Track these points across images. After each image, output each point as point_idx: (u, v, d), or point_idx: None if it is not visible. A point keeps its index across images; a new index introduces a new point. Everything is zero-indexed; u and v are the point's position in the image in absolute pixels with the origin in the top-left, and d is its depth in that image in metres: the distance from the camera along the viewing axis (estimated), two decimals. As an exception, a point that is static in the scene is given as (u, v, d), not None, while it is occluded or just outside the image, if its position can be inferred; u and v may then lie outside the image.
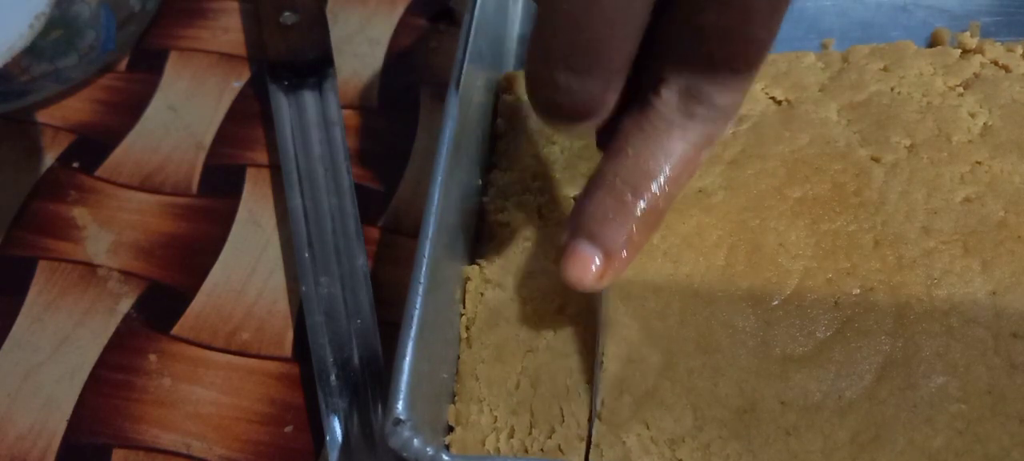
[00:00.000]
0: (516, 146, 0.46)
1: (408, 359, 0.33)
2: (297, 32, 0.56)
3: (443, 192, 0.38)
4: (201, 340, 0.46)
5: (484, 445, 0.37)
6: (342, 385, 0.42)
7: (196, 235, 0.50)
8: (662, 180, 0.33)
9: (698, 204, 0.42)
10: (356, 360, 0.43)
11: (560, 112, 0.32)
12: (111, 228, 0.50)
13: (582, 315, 0.40)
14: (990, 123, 0.44)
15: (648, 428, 0.36)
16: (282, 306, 0.47)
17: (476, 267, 0.42)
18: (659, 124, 0.32)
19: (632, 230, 0.33)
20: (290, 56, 0.55)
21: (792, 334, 0.38)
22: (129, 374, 0.45)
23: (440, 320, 0.38)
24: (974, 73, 0.47)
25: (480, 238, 0.44)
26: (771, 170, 0.43)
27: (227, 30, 0.60)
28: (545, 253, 0.42)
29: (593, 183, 0.34)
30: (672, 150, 0.32)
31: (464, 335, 0.40)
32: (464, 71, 0.41)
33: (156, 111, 0.56)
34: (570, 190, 0.44)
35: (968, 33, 0.48)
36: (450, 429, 0.38)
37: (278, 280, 0.48)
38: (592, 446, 0.36)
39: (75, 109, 0.56)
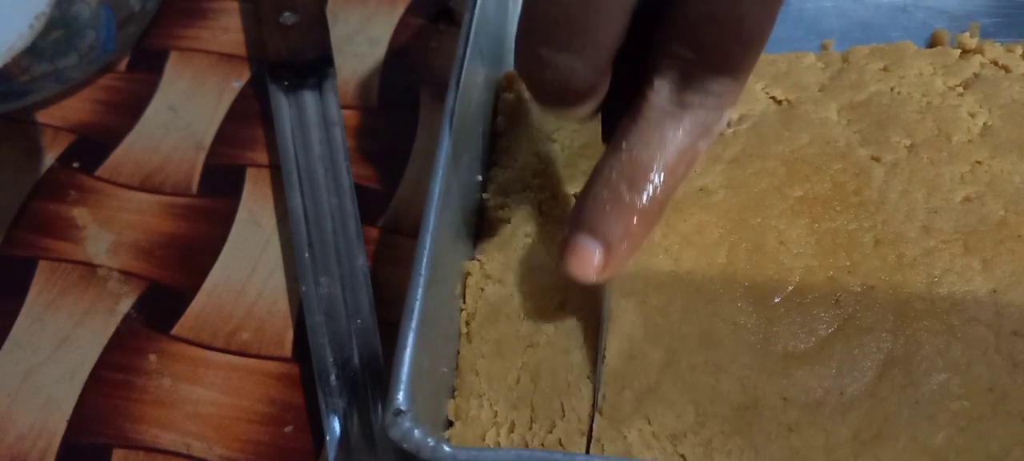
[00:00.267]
0: (516, 144, 0.46)
1: (408, 351, 0.33)
2: (297, 32, 0.56)
3: (443, 189, 0.38)
4: (201, 340, 0.46)
5: (484, 440, 0.37)
6: (342, 385, 0.42)
7: (196, 235, 0.50)
8: (658, 172, 0.33)
9: (699, 203, 0.42)
10: (356, 360, 0.43)
11: (545, 90, 0.32)
12: (111, 228, 0.50)
13: (583, 310, 0.40)
14: (990, 123, 0.44)
15: (650, 423, 0.36)
16: (282, 306, 0.47)
17: (476, 263, 0.42)
18: (652, 115, 0.32)
19: (631, 223, 0.33)
20: (290, 56, 0.55)
21: (793, 331, 0.38)
22: (129, 374, 0.45)
23: (440, 315, 0.38)
24: (974, 73, 0.47)
25: (480, 234, 0.44)
26: (771, 169, 0.43)
27: (227, 30, 0.60)
28: (546, 249, 0.42)
29: (592, 178, 0.34)
30: (667, 141, 0.32)
31: (464, 330, 0.40)
32: (464, 71, 0.41)
33: (156, 111, 0.56)
34: (570, 187, 0.44)
35: (968, 33, 0.48)
36: (450, 424, 0.38)
37: (278, 280, 0.48)
38: (593, 441, 0.36)
39: (75, 109, 0.56)
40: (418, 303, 0.35)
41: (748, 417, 0.36)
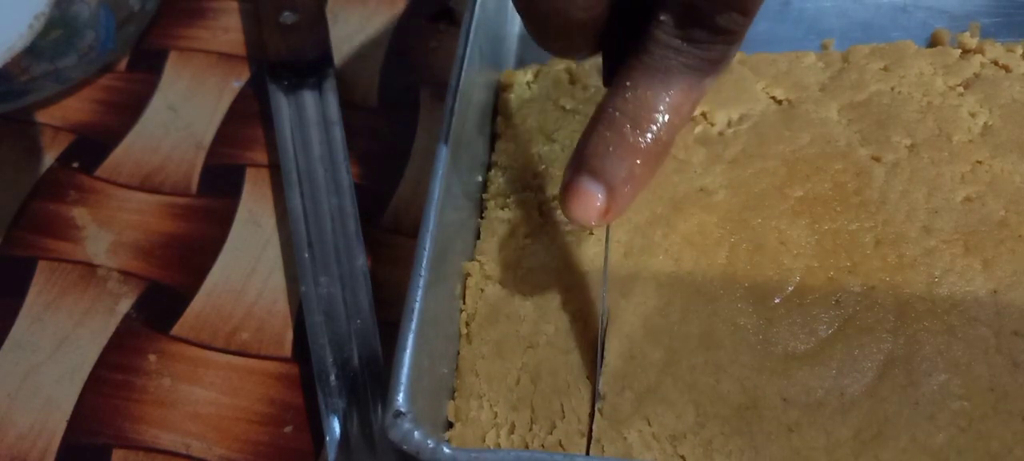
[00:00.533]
0: (516, 144, 0.46)
1: (408, 352, 0.33)
2: (297, 32, 0.56)
3: (443, 188, 0.38)
4: (201, 340, 0.46)
5: (484, 441, 0.37)
6: (342, 385, 0.42)
7: (196, 235, 0.50)
8: (662, 111, 0.31)
9: (699, 203, 0.42)
10: (356, 360, 0.43)
11: (544, 21, 0.31)
12: (111, 228, 0.50)
13: (583, 311, 0.40)
14: (990, 123, 0.44)
15: (650, 424, 0.36)
16: (282, 306, 0.47)
17: (476, 263, 0.42)
18: (657, 52, 0.31)
19: (635, 164, 0.32)
20: (290, 56, 0.55)
21: (794, 332, 0.38)
22: (129, 374, 0.45)
23: (440, 315, 0.38)
24: (974, 73, 0.47)
25: (480, 235, 0.44)
26: (772, 169, 0.43)
27: (227, 30, 0.60)
28: (545, 250, 0.42)
29: (594, 119, 0.33)
30: (672, 79, 0.31)
31: (464, 331, 0.40)
32: (464, 71, 0.41)
33: (156, 111, 0.56)
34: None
35: (968, 33, 0.48)
36: (449, 425, 0.38)
37: (278, 280, 0.48)
38: (593, 441, 0.36)
39: (75, 109, 0.56)
40: (418, 304, 0.35)
41: (748, 417, 0.36)
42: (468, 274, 0.42)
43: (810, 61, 0.48)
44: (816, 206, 0.42)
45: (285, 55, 0.55)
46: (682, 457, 0.36)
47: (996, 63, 0.47)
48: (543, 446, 0.36)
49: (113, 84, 0.57)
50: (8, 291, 0.48)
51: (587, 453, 0.36)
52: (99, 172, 0.53)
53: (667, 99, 0.31)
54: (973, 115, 0.45)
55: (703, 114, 0.46)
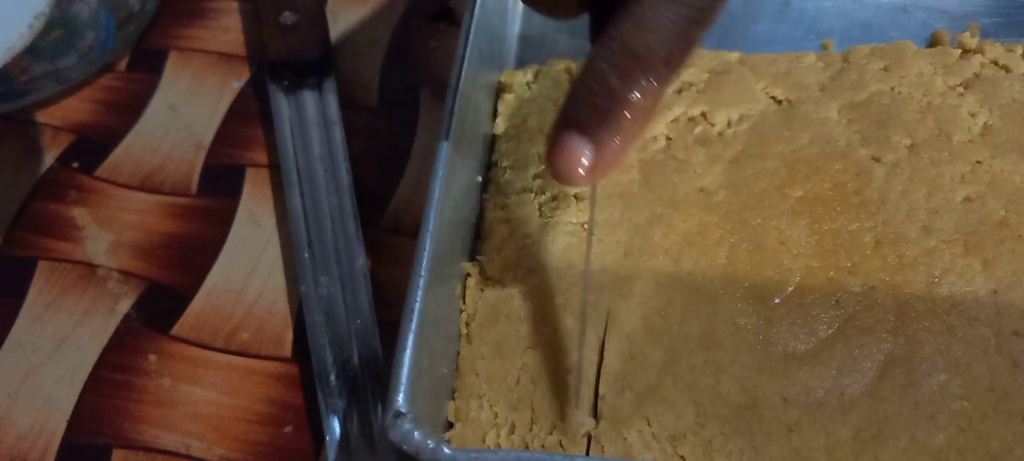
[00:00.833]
0: (516, 145, 0.46)
1: (408, 352, 0.33)
2: (297, 32, 0.56)
3: (443, 188, 0.38)
4: (201, 340, 0.46)
5: (484, 441, 0.37)
6: (342, 385, 0.42)
7: (196, 235, 0.50)
8: (652, 61, 0.30)
9: (699, 203, 0.42)
10: (356, 360, 0.43)
11: None
12: (111, 228, 0.50)
13: (583, 311, 0.39)
14: (990, 123, 0.44)
15: (650, 424, 0.36)
16: (282, 306, 0.47)
17: (476, 263, 0.42)
18: (645, 1, 0.29)
19: (623, 118, 0.30)
20: (290, 56, 0.55)
21: (794, 332, 0.38)
22: (129, 374, 0.45)
23: (440, 315, 0.38)
24: (974, 73, 0.47)
25: (480, 235, 0.44)
26: (772, 169, 0.43)
27: (227, 30, 0.60)
28: (545, 250, 0.42)
29: (580, 73, 0.31)
30: (661, 27, 0.29)
31: (464, 331, 0.40)
32: (464, 71, 0.41)
33: (156, 111, 0.56)
34: (570, 187, 0.44)
35: (968, 33, 0.48)
36: (450, 425, 0.38)
37: (278, 280, 0.48)
38: (592, 441, 0.36)
39: (75, 109, 0.56)
40: (418, 304, 0.35)
41: (748, 417, 0.36)
42: (468, 274, 0.42)
43: (810, 61, 0.48)
44: (816, 206, 0.42)
45: (285, 55, 0.55)
46: (682, 457, 0.36)
47: (996, 63, 0.47)
48: (543, 446, 0.36)
49: (113, 84, 0.57)
50: (8, 291, 0.48)
51: (587, 454, 0.36)
52: (99, 172, 0.53)
53: (656, 50, 0.30)
54: (973, 115, 0.45)
55: (703, 114, 0.46)
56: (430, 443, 0.32)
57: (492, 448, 0.36)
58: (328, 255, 0.47)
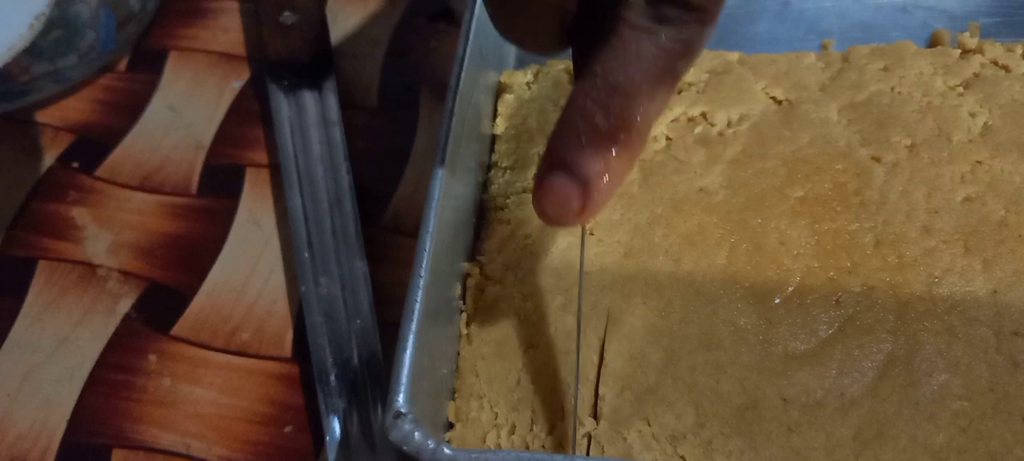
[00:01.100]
0: (516, 145, 0.46)
1: (409, 352, 0.33)
2: (297, 32, 0.56)
3: (443, 189, 0.38)
4: (201, 340, 0.46)
5: (484, 442, 0.37)
6: (342, 385, 0.42)
7: (196, 235, 0.50)
8: (636, 96, 0.29)
9: (699, 203, 0.42)
10: (356, 360, 0.43)
11: (510, 8, 0.29)
12: (111, 228, 0.50)
13: (583, 312, 0.39)
14: (990, 123, 0.44)
15: (650, 425, 0.36)
16: (282, 306, 0.47)
17: (476, 264, 0.42)
18: (628, 34, 0.29)
19: (611, 156, 0.30)
20: (290, 56, 0.55)
21: (794, 332, 0.38)
22: (129, 374, 0.45)
23: (440, 316, 0.38)
24: (974, 73, 0.47)
25: (480, 236, 0.44)
26: (772, 170, 0.43)
27: (227, 30, 0.60)
28: (545, 250, 0.42)
29: (564, 111, 0.30)
30: (644, 62, 0.29)
31: (464, 331, 0.40)
32: (464, 71, 0.41)
33: (156, 111, 0.56)
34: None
35: (968, 33, 0.48)
36: (450, 426, 0.38)
37: (278, 280, 0.48)
38: (592, 442, 0.36)
39: (75, 109, 0.56)
40: (418, 305, 0.35)
41: (748, 418, 0.36)
42: (468, 275, 0.42)
43: (810, 61, 0.48)
44: (816, 206, 0.42)
45: (285, 55, 0.55)
46: (682, 457, 0.36)
47: (996, 63, 0.47)
48: (544, 447, 0.36)
49: (113, 84, 0.57)
50: (8, 291, 0.48)
51: (587, 454, 0.36)
52: (99, 172, 0.53)
53: (640, 85, 0.29)
54: (973, 115, 0.45)
55: (703, 114, 0.46)
56: (430, 443, 0.32)
57: (492, 448, 0.36)
58: (328, 255, 0.47)
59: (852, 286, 0.39)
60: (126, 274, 0.48)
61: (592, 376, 0.38)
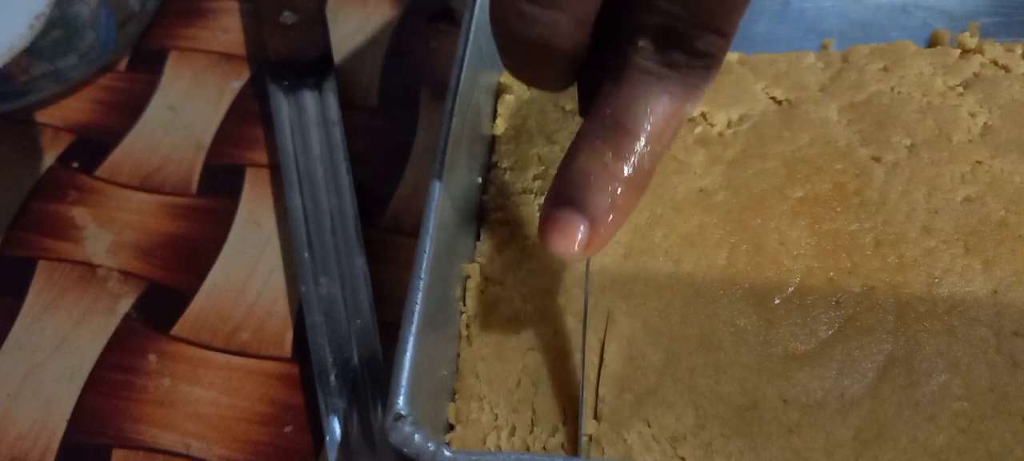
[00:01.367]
0: (516, 145, 0.46)
1: (409, 354, 0.33)
2: (297, 32, 0.56)
3: (443, 190, 0.38)
4: (201, 340, 0.46)
5: (485, 443, 0.37)
6: (342, 385, 0.42)
7: (196, 235, 0.50)
8: (645, 138, 0.30)
9: (699, 204, 0.42)
10: (356, 360, 0.43)
11: (524, 51, 0.30)
12: (111, 228, 0.50)
13: (584, 313, 0.39)
14: (990, 123, 0.44)
15: (650, 426, 0.36)
16: (282, 306, 0.47)
17: (477, 265, 0.42)
18: (637, 77, 0.30)
19: (617, 194, 0.31)
20: (290, 56, 0.55)
21: (794, 332, 0.38)
22: (129, 374, 0.45)
23: (440, 317, 0.38)
24: (974, 73, 0.47)
25: (480, 237, 0.44)
26: (772, 170, 0.43)
27: (227, 30, 0.60)
28: (545, 252, 0.42)
29: (573, 147, 0.32)
30: (653, 104, 0.30)
31: (464, 333, 0.40)
32: (464, 71, 0.41)
33: (156, 111, 0.56)
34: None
35: (967, 33, 0.48)
36: (450, 428, 0.38)
37: (278, 280, 0.48)
38: (591, 443, 0.36)
39: (75, 109, 0.56)
40: (418, 307, 0.35)
41: (748, 419, 0.36)
42: (468, 276, 0.42)
43: (810, 61, 0.48)
44: (816, 207, 0.42)
45: (285, 55, 0.55)
46: (682, 458, 0.36)
47: (996, 63, 0.47)
48: (544, 448, 0.36)
49: (113, 84, 0.57)
50: (8, 291, 0.48)
51: (588, 455, 0.36)
52: (99, 172, 0.53)
53: (648, 127, 0.30)
54: (973, 115, 0.45)
55: (703, 115, 0.46)
56: (430, 446, 0.32)
57: (493, 451, 0.36)
58: (328, 255, 0.47)
59: (852, 286, 0.39)
60: (126, 274, 0.48)
61: (592, 377, 0.38)
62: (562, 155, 0.45)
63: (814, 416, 0.36)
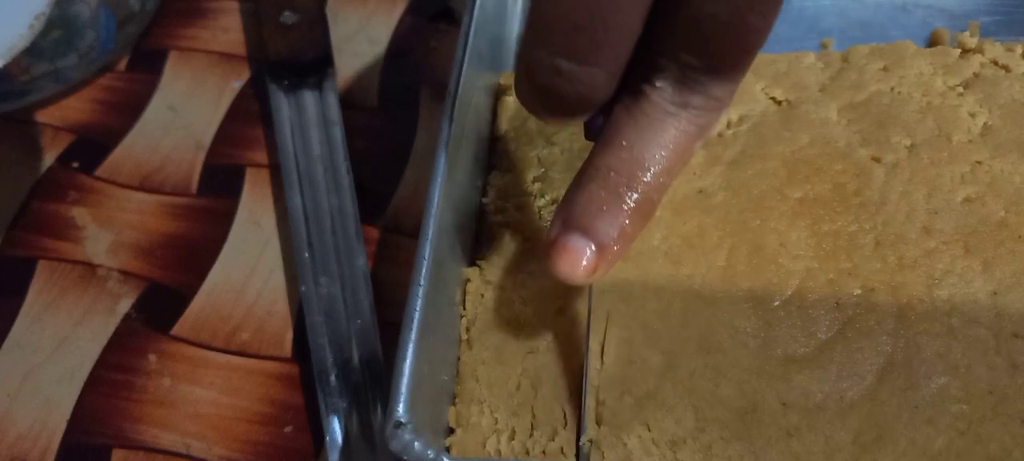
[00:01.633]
0: (516, 147, 0.46)
1: (408, 361, 0.33)
2: (297, 32, 0.56)
3: (443, 193, 0.38)
4: (201, 340, 0.46)
5: (485, 447, 0.37)
6: (342, 385, 0.42)
7: (196, 235, 0.50)
8: (656, 171, 0.32)
9: (699, 205, 0.42)
10: (356, 360, 0.43)
11: (559, 104, 0.31)
12: (111, 228, 0.50)
13: (584, 316, 0.39)
14: (990, 123, 0.44)
15: (649, 429, 0.36)
16: (282, 306, 0.47)
17: (476, 268, 0.42)
18: (654, 114, 0.31)
19: (626, 223, 0.32)
20: (290, 56, 0.55)
21: (793, 335, 0.38)
22: (129, 374, 0.45)
23: (440, 321, 0.38)
24: (974, 73, 0.47)
25: (480, 240, 0.44)
26: (771, 170, 0.43)
27: (227, 30, 0.60)
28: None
29: (584, 175, 0.33)
30: (667, 140, 0.32)
31: (464, 336, 0.40)
32: (464, 71, 0.41)
33: (156, 111, 0.56)
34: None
35: (967, 33, 0.48)
36: (450, 431, 0.38)
37: (278, 280, 0.48)
38: (592, 446, 0.36)
39: (75, 109, 0.56)
40: (418, 312, 0.35)
41: (748, 422, 0.36)
42: (468, 279, 0.42)
43: (810, 61, 0.48)
44: (816, 207, 0.42)
45: (285, 55, 0.55)
46: (681, 461, 0.36)
47: (996, 63, 0.47)
48: (544, 452, 0.36)
49: (113, 84, 0.57)
50: (8, 291, 0.48)
51: (577, 457, 0.36)
52: (99, 172, 0.53)
53: (662, 161, 0.32)
54: (973, 115, 0.45)
55: (703, 115, 0.46)
56: (430, 453, 0.32)
57: (493, 457, 0.36)
58: (328, 255, 0.47)
59: (852, 288, 0.39)
60: (126, 274, 0.48)
61: (593, 380, 0.38)
62: (562, 157, 0.45)
63: (813, 419, 0.36)
